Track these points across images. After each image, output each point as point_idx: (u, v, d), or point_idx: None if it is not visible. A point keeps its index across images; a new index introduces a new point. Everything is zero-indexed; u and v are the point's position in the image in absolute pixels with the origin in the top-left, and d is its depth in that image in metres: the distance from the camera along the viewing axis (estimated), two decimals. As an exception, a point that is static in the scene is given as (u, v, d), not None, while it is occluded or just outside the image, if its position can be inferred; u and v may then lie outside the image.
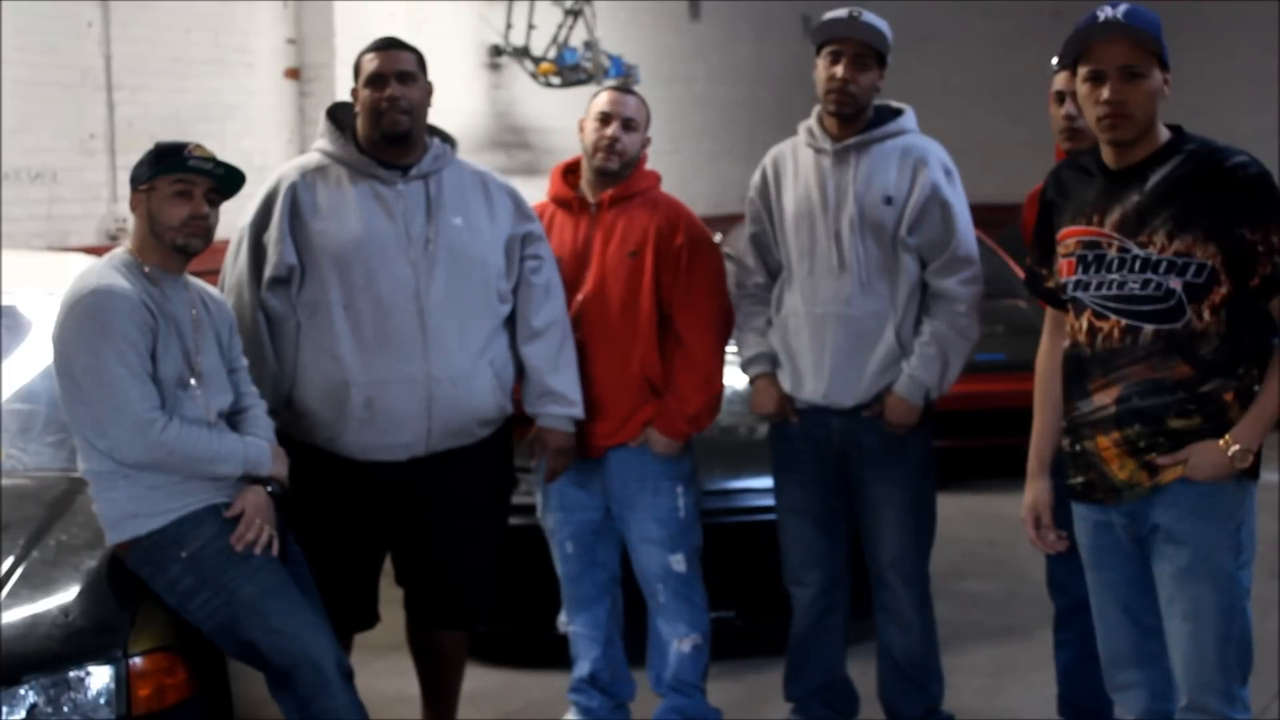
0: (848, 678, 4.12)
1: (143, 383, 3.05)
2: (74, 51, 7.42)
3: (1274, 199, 2.87)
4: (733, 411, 4.93)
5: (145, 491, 3.10)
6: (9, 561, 3.11)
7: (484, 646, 4.63)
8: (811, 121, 3.89)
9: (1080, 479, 3.04)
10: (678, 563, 3.96)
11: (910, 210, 3.78)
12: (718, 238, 7.51)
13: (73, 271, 3.29)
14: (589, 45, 10.03)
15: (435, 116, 3.75)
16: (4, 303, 3.84)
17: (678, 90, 11.46)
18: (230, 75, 8.25)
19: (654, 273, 3.87)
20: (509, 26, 9.86)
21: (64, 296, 3.13)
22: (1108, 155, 2.99)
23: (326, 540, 3.52)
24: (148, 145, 3.25)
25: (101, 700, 2.89)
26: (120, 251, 3.22)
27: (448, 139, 3.75)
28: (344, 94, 3.81)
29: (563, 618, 4.16)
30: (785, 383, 3.89)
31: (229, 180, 3.19)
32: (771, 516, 4.09)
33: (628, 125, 3.88)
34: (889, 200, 3.77)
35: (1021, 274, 4.24)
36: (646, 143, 3.98)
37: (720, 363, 3.97)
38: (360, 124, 3.63)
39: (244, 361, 3.38)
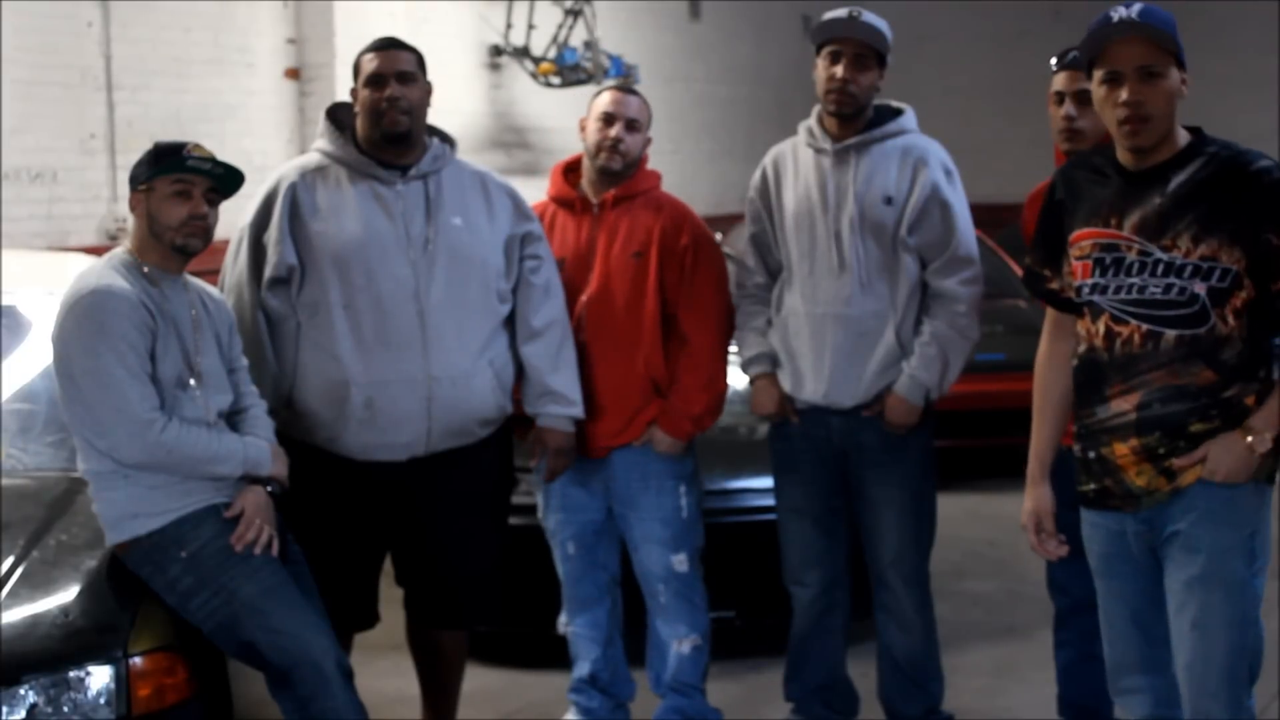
0: (848, 678, 4.12)
1: (142, 383, 3.05)
2: (74, 51, 7.42)
3: None
4: (733, 411, 4.91)
5: (145, 491, 3.10)
6: (9, 561, 3.11)
7: (484, 646, 4.63)
8: (811, 121, 3.89)
9: (1093, 486, 2.98)
10: (680, 563, 3.96)
11: (910, 210, 3.78)
12: (718, 237, 7.55)
13: (73, 271, 3.29)
14: (589, 45, 10.03)
15: (435, 116, 3.75)
16: (4, 303, 3.84)
17: (678, 90, 11.46)
18: (230, 75, 8.25)
19: (658, 273, 3.87)
20: (509, 26, 9.86)
21: (64, 297, 3.13)
22: (1125, 157, 2.94)
23: (326, 540, 3.52)
24: (148, 145, 3.25)
25: (101, 700, 2.89)
26: (119, 251, 3.22)
27: (447, 139, 3.75)
28: (344, 94, 3.81)
29: (563, 619, 4.16)
30: (785, 383, 3.89)
31: (228, 180, 3.19)
32: (771, 516, 4.09)
33: (631, 126, 3.88)
34: (889, 200, 3.77)
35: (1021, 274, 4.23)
36: (648, 142, 3.98)
37: (724, 363, 3.98)
38: (360, 124, 3.63)
39: (244, 361, 3.38)
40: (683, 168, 11.02)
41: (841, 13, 3.75)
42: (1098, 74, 2.88)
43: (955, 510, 5.87)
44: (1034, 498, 3.14)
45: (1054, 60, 3.65)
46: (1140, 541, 2.94)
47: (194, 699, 3.04)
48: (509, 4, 9.86)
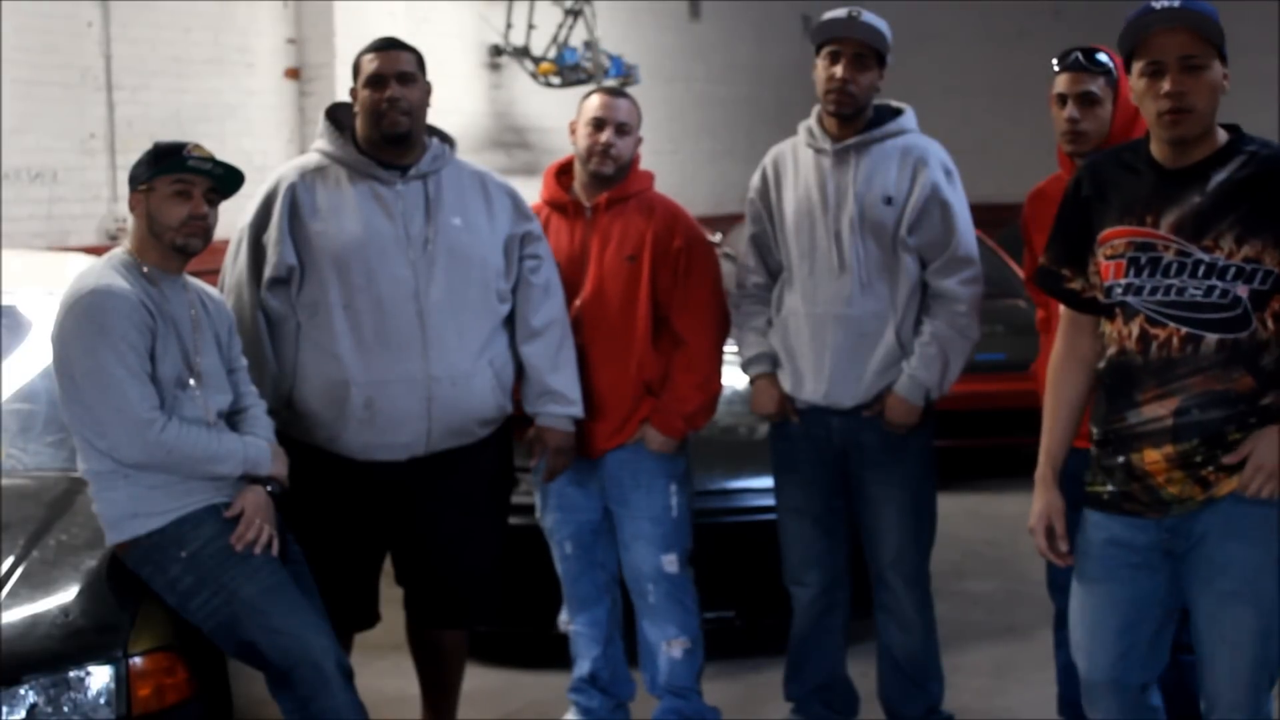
0: (848, 677, 4.12)
1: (142, 383, 3.05)
2: (74, 51, 7.43)
3: None
4: (733, 411, 4.94)
5: (145, 491, 3.10)
6: (9, 561, 3.11)
7: (484, 646, 4.63)
8: (811, 121, 3.89)
9: (1110, 488, 2.88)
10: (670, 563, 3.96)
11: (910, 210, 3.77)
12: (717, 237, 7.56)
13: (73, 271, 3.29)
14: (589, 45, 10.04)
15: (435, 116, 3.75)
16: (4, 303, 3.84)
17: (678, 90, 11.47)
18: (230, 75, 8.25)
19: (651, 276, 3.87)
20: (509, 26, 9.87)
21: (63, 296, 3.12)
22: (1162, 153, 2.83)
23: (326, 540, 3.52)
24: (148, 145, 3.25)
25: (101, 700, 2.89)
26: (119, 251, 3.22)
27: (446, 139, 3.75)
28: (344, 94, 3.81)
29: (563, 616, 4.16)
30: (785, 383, 3.89)
31: (228, 180, 3.19)
32: (771, 516, 4.09)
33: (621, 129, 3.88)
34: (889, 200, 3.77)
35: (1023, 274, 4.22)
36: (639, 143, 3.98)
37: (719, 363, 3.97)
38: (360, 124, 3.63)
39: (243, 361, 3.38)
40: (683, 168, 11.03)
41: (841, 13, 3.75)
42: (1138, 65, 2.78)
43: (955, 510, 5.87)
44: (1045, 500, 3.02)
45: (1055, 62, 3.63)
46: (1158, 548, 2.86)
47: (194, 699, 3.04)
48: (509, 4, 9.87)
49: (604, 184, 3.91)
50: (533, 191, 4.03)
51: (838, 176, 3.80)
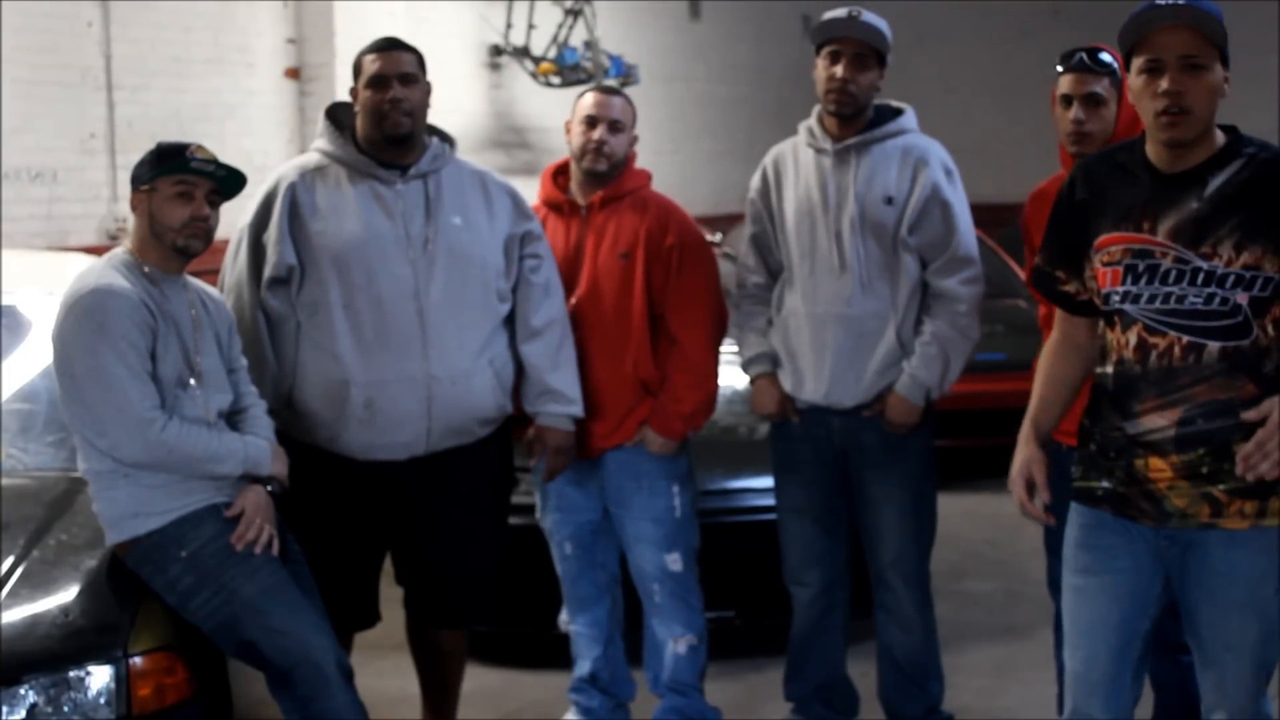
0: (848, 677, 4.12)
1: (143, 382, 3.05)
2: (74, 51, 7.43)
3: None
4: (733, 411, 4.94)
5: (145, 491, 3.10)
6: (9, 561, 3.11)
7: (484, 646, 4.63)
8: (812, 121, 3.89)
9: (1104, 485, 2.83)
10: (674, 562, 3.96)
11: (911, 210, 3.77)
12: (717, 237, 7.56)
13: (73, 271, 3.29)
14: (589, 45, 10.04)
15: (435, 116, 3.75)
16: (4, 303, 3.84)
17: (678, 90, 11.47)
18: (230, 75, 8.25)
19: (645, 274, 3.87)
20: (509, 26, 9.87)
21: (64, 296, 3.12)
22: (1159, 156, 2.75)
23: (326, 540, 3.52)
24: (148, 145, 3.25)
25: (101, 700, 2.89)
26: (120, 251, 3.22)
27: (446, 138, 3.75)
28: (344, 94, 3.81)
29: (563, 616, 4.16)
30: (786, 383, 3.89)
31: (230, 182, 3.19)
32: (771, 516, 4.09)
33: (614, 127, 3.88)
34: (889, 200, 3.77)
35: (1023, 274, 4.22)
36: (634, 141, 3.98)
37: (715, 362, 3.97)
38: (360, 124, 3.63)
39: (243, 361, 3.38)
40: (683, 168, 11.03)
41: (841, 12, 3.75)
42: (1137, 62, 2.70)
43: (955, 510, 5.87)
44: (1025, 454, 2.93)
45: (1059, 63, 3.61)
46: (1151, 551, 2.83)
47: (194, 699, 3.04)
48: (509, 4, 9.87)
49: (598, 182, 3.91)
50: (533, 191, 4.03)
51: (838, 176, 3.80)
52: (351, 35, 8.21)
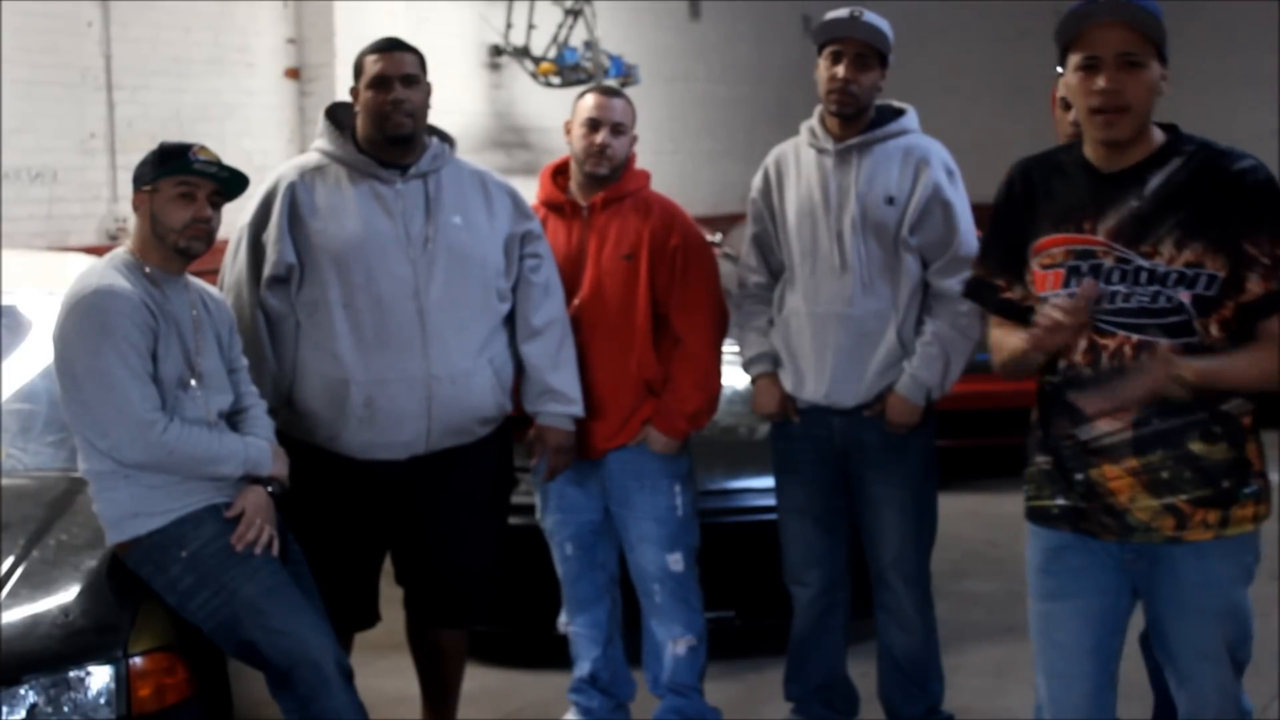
0: (848, 677, 4.12)
1: (144, 383, 3.05)
2: (74, 51, 7.43)
3: (1278, 209, 2.63)
4: (733, 411, 4.94)
5: (145, 491, 3.10)
6: (9, 561, 3.11)
7: (484, 646, 4.63)
8: (813, 121, 3.89)
9: (1059, 502, 2.77)
10: (675, 562, 3.96)
11: (912, 210, 3.77)
12: (717, 237, 7.56)
13: (73, 271, 3.29)
14: (589, 45, 10.04)
15: (435, 116, 3.75)
16: (4, 303, 3.84)
17: (678, 90, 11.47)
18: (230, 75, 8.26)
19: (649, 275, 3.87)
20: (509, 26, 9.87)
21: (64, 296, 3.12)
22: (1097, 155, 2.73)
23: (326, 540, 3.52)
24: (148, 145, 3.25)
25: (101, 700, 2.89)
26: (121, 252, 3.22)
27: (446, 138, 3.75)
28: (344, 94, 3.81)
29: (563, 618, 4.16)
30: (787, 382, 3.89)
31: (232, 183, 3.19)
32: (771, 516, 4.09)
33: (616, 130, 3.87)
34: (891, 200, 3.77)
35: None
36: (634, 141, 3.98)
37: (718, 362, 3.97)
38: (361, 124, 3.63)
39: (244, 361, 3.38)
40: (683, 168, 11.03)
41: (843, 13, 3.75)
42: (1074, 59, 2.67)
43: (955, 510, 5.86)
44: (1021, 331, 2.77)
45: (1059, 64, 3.60)
46: (1116, 565, 2.76)
47: (194, 699, 3.04)
48: (509, 4, 9.87)
49: (600, 183, 3.91)
50: (533, 191, 4.03)
51: (840, 176, 3.80)
52: (351, 35, 8.21)
